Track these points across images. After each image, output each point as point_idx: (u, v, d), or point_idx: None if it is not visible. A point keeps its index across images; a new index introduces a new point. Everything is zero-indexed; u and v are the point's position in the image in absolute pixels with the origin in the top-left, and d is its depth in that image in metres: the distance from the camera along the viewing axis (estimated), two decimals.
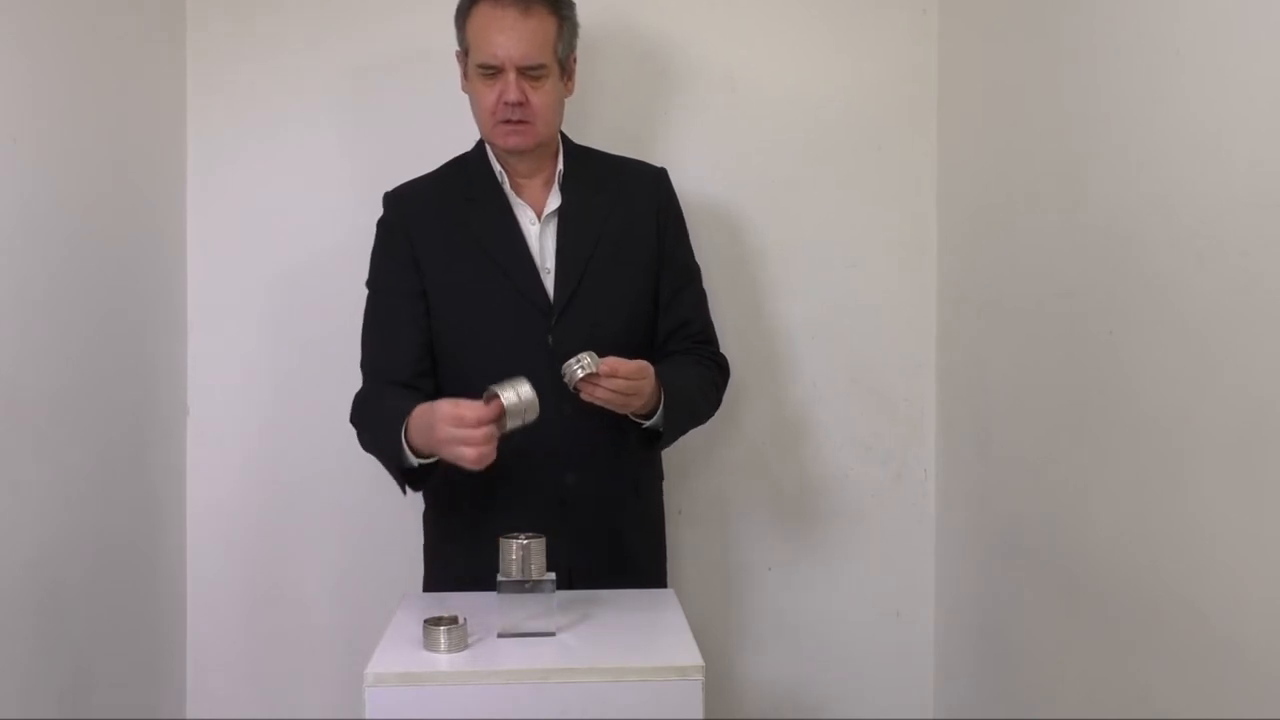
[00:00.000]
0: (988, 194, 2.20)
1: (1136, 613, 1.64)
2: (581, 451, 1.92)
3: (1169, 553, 1.55)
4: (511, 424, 1.66)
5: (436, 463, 1.79)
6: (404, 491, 1.89)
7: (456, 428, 1.66)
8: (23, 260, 1.78)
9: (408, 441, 1.78)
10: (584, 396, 1.73)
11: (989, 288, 2.20)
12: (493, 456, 1.68)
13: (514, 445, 1.89)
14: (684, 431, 1.98)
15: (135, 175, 2.19)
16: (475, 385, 1.77)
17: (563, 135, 2.03)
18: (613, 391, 1.73)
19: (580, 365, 1.70)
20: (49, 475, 1.87)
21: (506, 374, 1.69)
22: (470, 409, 1.66)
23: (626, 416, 1.86)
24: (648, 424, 1.87)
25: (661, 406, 1.85)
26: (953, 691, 2.41)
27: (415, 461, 1.80)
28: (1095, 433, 1.76)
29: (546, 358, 1.82)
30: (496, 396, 1.65)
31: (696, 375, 1.97)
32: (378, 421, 1.87)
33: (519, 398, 1.65)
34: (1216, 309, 1.45)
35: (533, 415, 1.66)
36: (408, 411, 1.78)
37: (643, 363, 1.78)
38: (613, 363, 1.72)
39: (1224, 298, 1.43)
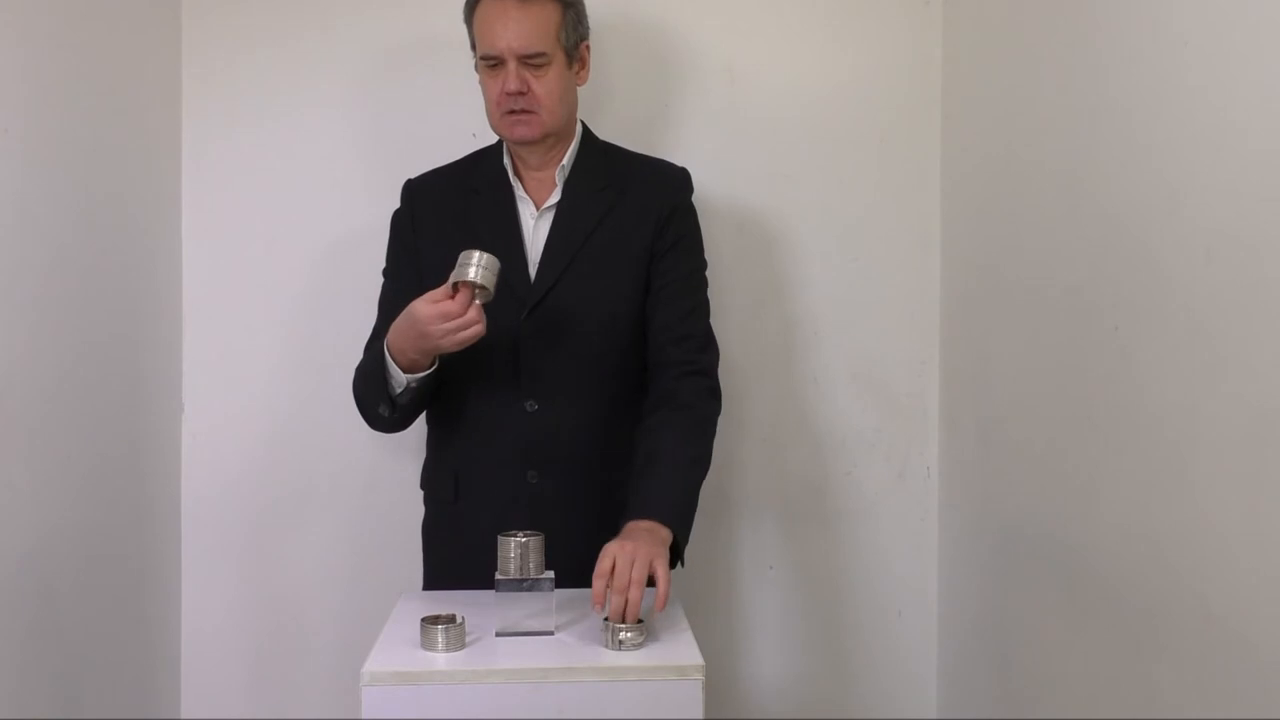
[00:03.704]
0: (992, 187, 2.19)
1: (1142, 611, 1.62)
2: (545, 451, 1.90)
3: (1175, 550, 1.54)
4: (490, 286, 1.70)
5: (432, 373, 1.82)
6: (396, 408, 1.89)
7: (447, 322, 1.71)
8: (14, 256, 1.76)
9: (397, 365, 1.82)
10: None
11: (993, 282, 2.18)
12: (483, 325, 1.73)
13: (480, 441, 1.92)
14: (693, 510, 1.86)
15: (129, 170, 2.18)
16: (454, 371, 1.84)
17: (584, 128, 2.02)
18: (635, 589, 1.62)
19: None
20: (42, 474, 1.85)
21: (481, 360, 1.76)
22: (452, 305, 1.71)
23: (601, 417, 1.89)
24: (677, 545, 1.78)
25: (672, 536, 1.74)
26: (956, 691, 2.39)
27: (405, 379, 1.82)
28: (1100, 429, 1.74)
29: (517, 346, 1.81)
30: (465, 283, 1.69)
31: (688, 461, 1.85)
32: (363, 365, 1.91)
33: (479, 266, 1.69)
34: (1224, 304, 1.43)
35: (495, 266, 1.70)
36: (383, 341, 1.83)
37: (607, 562, 1.63)
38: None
39: (1231, 293, 1.41)
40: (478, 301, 1.71)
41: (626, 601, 1.59)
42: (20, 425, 1.78)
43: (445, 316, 1.70)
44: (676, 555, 1.77)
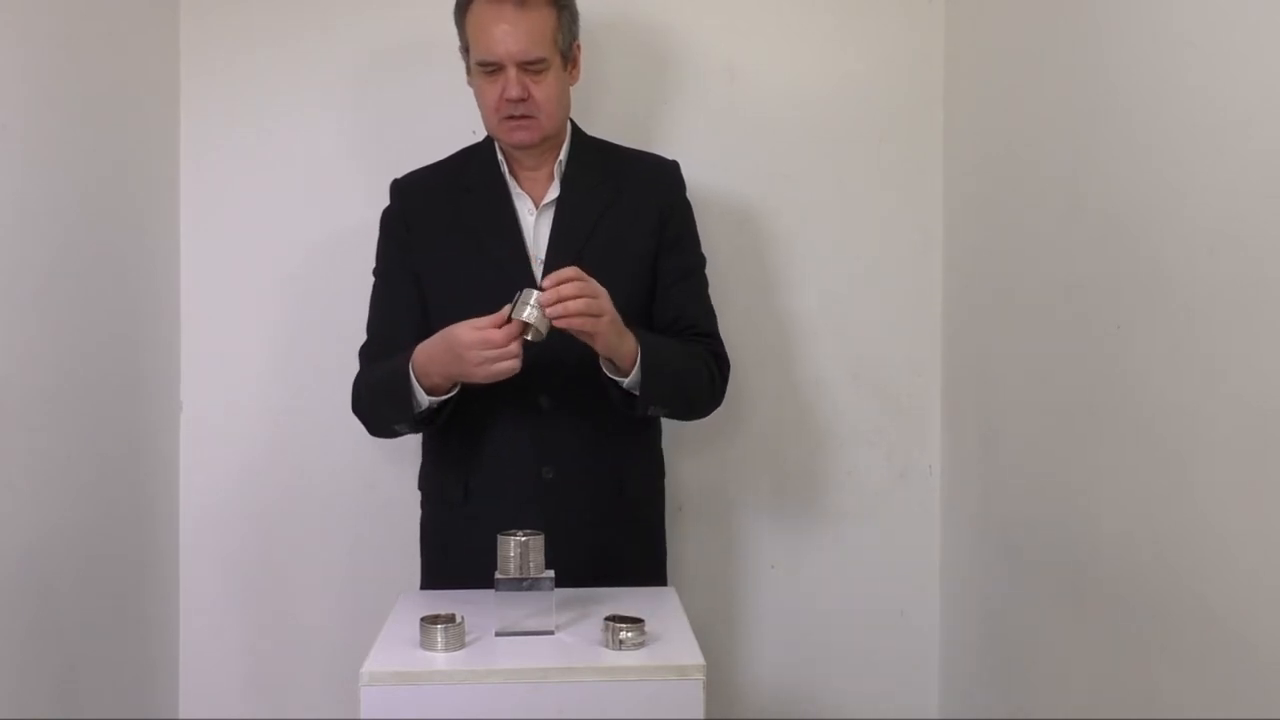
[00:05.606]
0: (994, 185, 2.18)
1: (1144, 611, 1.62)
2: (559, 446, 1.91)
3: (1177, 550, 1.53)
4: (544, 331, 1.71)
5: (451, 397, 1.81)
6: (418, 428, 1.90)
7: (488, 350, 1.70)
8: (12, 253, 1.76)
9: (419, 382, 1.80)
10: (560, 325, 1.71)
11: (995, 281, 2.18)
12: (520, 362, 1.73)
13: (493, 441, 1.92)
14: (667, 398, 1.88)
15: (128, 167, 2.18)
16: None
17: (573, 125, 2.01)
18: (572, 297, 1.70)
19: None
20: (40, 472, 1.85)
21: None
22: (497, 334, 1.70)
23: (609, 409, 1.85)
24: (625, 381, 1.82)
25: (638, 361, 1.79)
26: (958, 691, 2.39)
27: (428, 400, 1.81)
28: (1102, 429, 1.74)
29: (530, 347, 1.80)
30: (522, 322, 1.70)
31: (682, 346, 1.91)
32: (378, 380, 1.89)
33: (536, 306, 1.69)
34: (1226, 303, 1.42)
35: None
36: (407, 355, 1.80)
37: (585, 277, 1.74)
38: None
39: (1234, 292, 1.41)
40: (528, 338, 1.70)
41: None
42: (20, 425, 1.78)
43: (487, 344, 1.70)
44: (634, 402, 1.82)
